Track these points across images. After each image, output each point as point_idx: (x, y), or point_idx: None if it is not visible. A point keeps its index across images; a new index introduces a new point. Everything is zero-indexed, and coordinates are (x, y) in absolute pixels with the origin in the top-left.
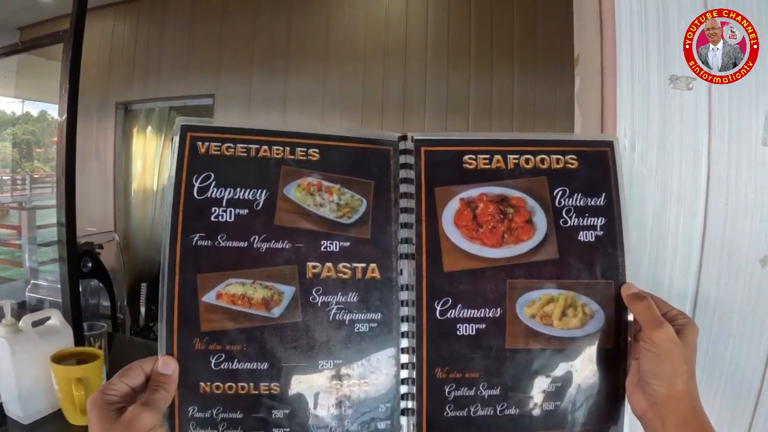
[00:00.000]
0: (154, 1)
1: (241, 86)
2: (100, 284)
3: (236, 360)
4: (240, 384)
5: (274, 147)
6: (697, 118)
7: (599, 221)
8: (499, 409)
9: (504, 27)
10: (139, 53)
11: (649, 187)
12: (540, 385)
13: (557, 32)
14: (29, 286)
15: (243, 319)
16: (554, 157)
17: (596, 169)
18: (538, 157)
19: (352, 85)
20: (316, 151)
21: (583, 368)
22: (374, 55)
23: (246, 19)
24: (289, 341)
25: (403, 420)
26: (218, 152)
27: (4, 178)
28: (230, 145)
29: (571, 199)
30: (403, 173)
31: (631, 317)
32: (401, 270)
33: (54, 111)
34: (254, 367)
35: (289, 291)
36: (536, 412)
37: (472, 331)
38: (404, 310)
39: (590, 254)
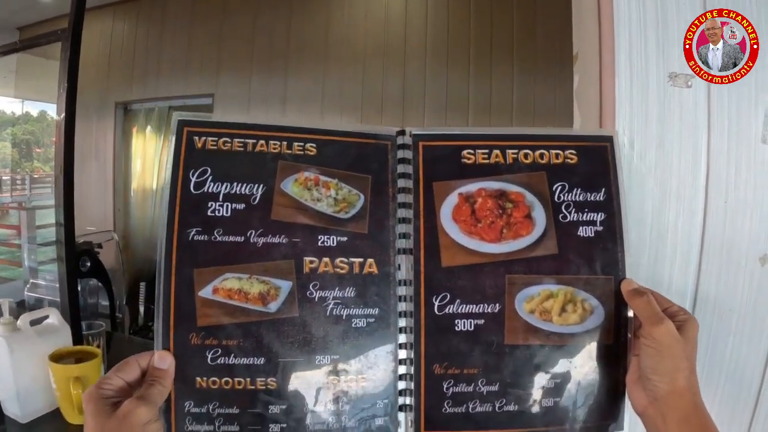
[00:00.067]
0: (153, 0)
1: (241, 86)
2: (99, 283)
3: (233, 355)
4: (236, 379)
5: (271, 142)
6: (697, 116)
7: (599, 216)
8: (497, 405)
9: (504, 27)
10: (138, 53)
11: (648, 185)
12: (539, 382)
13: (557, 32)
14: (28, 286)
15: (239, 314)
16: (553, 152)
17: (596, 164)
18: (537, 152)
19: (351, 85)
20: (314, 145)
21: (583, 364)
22: (374, 54)
23: (246, 18)
24: (286, 336)
25: (401, 416)
26: (215, 147)
27: (3, 178)
28: (227, 139)
29: (570, 194)
30: (401, 168)
31: (631, 313)
32: (399, 265)
33: (54, 111)
34: (251, 362)
35: (286, 286)
36: (535, 408)
37: (471, 327)
38: (402, 306)
39: (590, 249)
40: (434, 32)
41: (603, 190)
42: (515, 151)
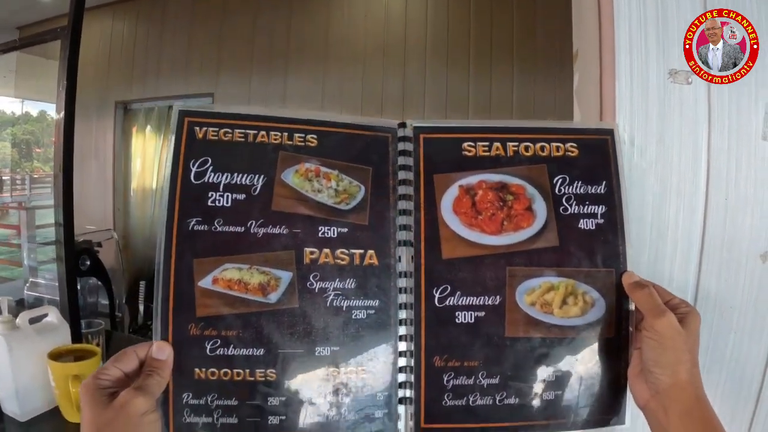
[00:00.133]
0: (153, 0)
1: (241, 85)
2: (99, 282)
3: (232, 346)
4: (235, 370)
5: (272, 132)
6: (697, 113)
7: (600, 209)
8: (498, 398)
9: (504, 26)
10: (138, 52)
11: (648, 182)
12: (540, 375)
13: (557, 32)
14: (27, 284)
15: (239, 304)
16: (554, 144)
17: (596, 157)
18: (538, 145)
19: (351, 85)
20: (315, 137)
21: (584, 357)
22: (373, 54)
23: (245, 18)
24: (285, 327)
25: (401, 408)
26: (216, 137)
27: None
28: (228, 130)
29: (571, 187)
30: (401, 160)
31: (632, 306)
32: (399, 257)
33: (53, 111)
34: (250, 353)
35: (286, 276)
36: (536, 401)
37: (471, 319)
38: (402, 298)
39: (591, 242)
40: (434, 32)
41: (604, 182)
42: (516, 143)
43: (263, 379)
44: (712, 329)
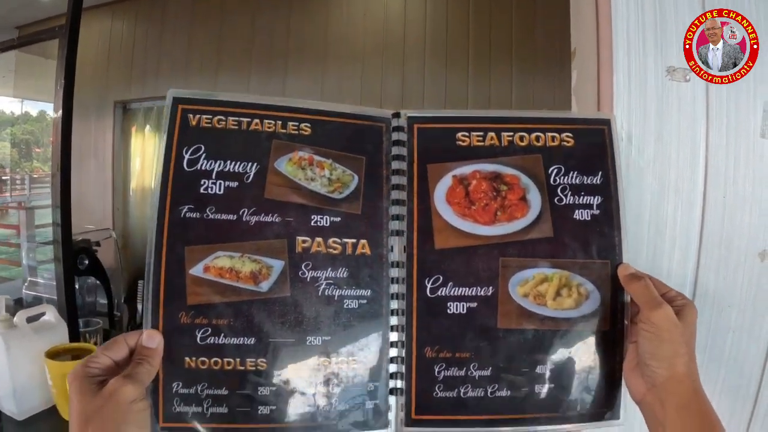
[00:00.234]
0: (153, 0)
1: (240, 85)
2: (98, 281)
3: (223, 335)
4: (226, 359)
5: (266, 120)
6: (695, 110)
7: (595, 200)
8: (489, 390)
9: (503, 26)
10: (137, 52)
11: (646, 179)
12: (533, 367)
13: (556, 32)
14: (26, 284)
15: (230, 292)
16: (549, 134)
17: (592, 148)
18: (533, 135)
19: (350, 84)
20: (308, 125)
21: (578, 350)
22: (373, 53)
23: (245, 18)
24: (276, 316)
25: (392, 399)
26: (209, 125)
27: (3, 178)
28: (221, 117)
29: (566, 177)
30: (395, 150)
31: (628, 299)
32: (392, 246)
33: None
34: (241, 342)
35: (278, 265)
36: (528, 394)
37: (463, 310)
38: (394, 288)
39: (586, 233)
40: (433, 31)
41: (600, 173)
42: (510, 133)
43: (254, 368)
44: (711, 327)
